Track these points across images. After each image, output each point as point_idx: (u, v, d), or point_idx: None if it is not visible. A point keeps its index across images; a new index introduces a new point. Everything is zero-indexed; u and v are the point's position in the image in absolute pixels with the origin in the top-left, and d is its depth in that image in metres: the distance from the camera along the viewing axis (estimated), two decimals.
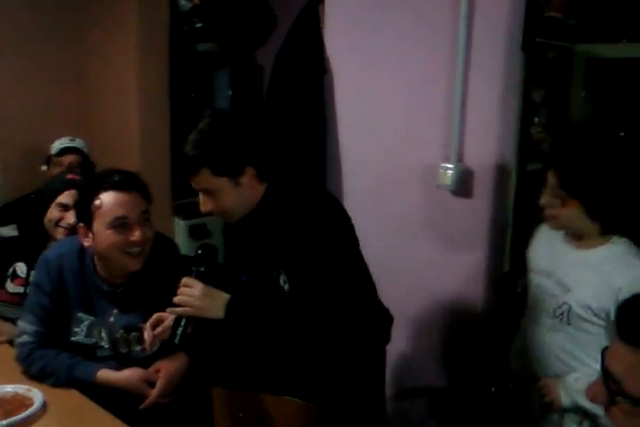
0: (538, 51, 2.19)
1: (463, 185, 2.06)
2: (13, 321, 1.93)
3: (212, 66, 3.33)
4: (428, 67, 2.13)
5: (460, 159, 2.07)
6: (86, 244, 1.64)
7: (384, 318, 1.68)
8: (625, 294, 1.40)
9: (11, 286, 2.01)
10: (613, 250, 1.54)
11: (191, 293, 1.45)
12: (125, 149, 3.18)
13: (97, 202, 1.58)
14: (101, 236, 1.60)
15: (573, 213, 1.53)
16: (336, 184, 2.46)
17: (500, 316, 2.09)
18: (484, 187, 2.04)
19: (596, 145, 1.54)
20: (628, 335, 0.87)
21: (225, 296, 1.47)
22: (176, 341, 1.44)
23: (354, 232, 1.57)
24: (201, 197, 1.54)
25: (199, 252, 1.51)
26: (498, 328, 2.07)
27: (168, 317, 1.51)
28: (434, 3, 2.09)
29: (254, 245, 1.62)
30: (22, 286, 1.99)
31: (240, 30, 3.13)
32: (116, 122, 3.25)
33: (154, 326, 1.52)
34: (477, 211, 2.05)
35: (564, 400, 1.55)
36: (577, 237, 1.61)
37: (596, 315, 1.51)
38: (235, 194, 1.50)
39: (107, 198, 1.58)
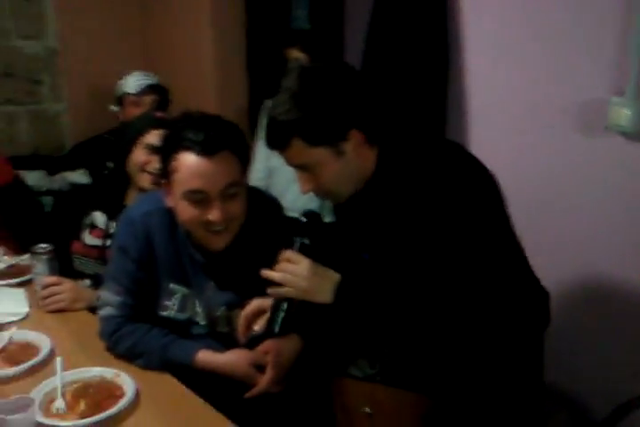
0: None
1: None
2: (90, 277, 1.80)
3: None
4: None
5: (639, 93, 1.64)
6: (169, 204, 1.38)
7: (541, 296, 1.36)
8: None
9: (88, 238, 1.83)
10: None
11: (296, 270, 1.20)
12: (199, 83, 2.90)
13: (174, 163, 1.30)
14: (178, 205, 1.34)
15: None
16: (459, 134, 2.07)
17: None
18: None
19: None
20: None
21: (335, 276, 1.22)
22: (276, 329, 1.22)
23: (501, 194, 1.25)
24: (298, 175, 1.25)
25: (303, 220, 1.26)
26: None
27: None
28: None
29: (375, 222, 1.32)
30: (101, 238, 1.81)
31: None
32: (187, 56, 2.98)
33: (251, 317, 1.29)
34: None
35: None
36: None
37: None
38: (339, 167, 1.21)
39: (185, 163, 1.29)
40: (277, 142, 1.21)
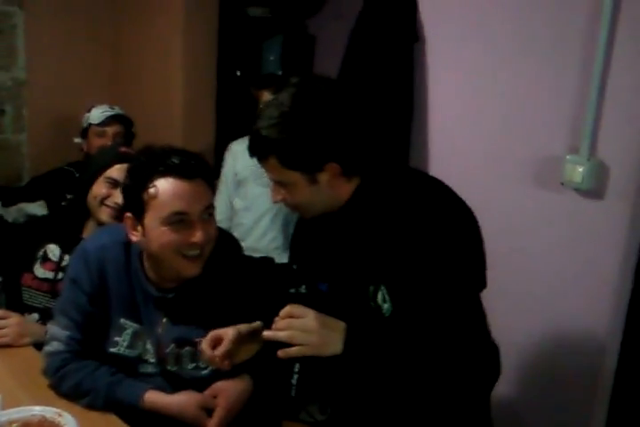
0: None
1: (596, 184, 1.71)
2: (39, 311, 1.75)
3: (263, 33, 3.01)
4: (553, 32, 1.76)
5: (592, 152, 1.71)
6: (134, 238, 1.36)
7: (493, 350, 1.35)
8: None
9: (40, 271, 1.78)
10: None
11: (306, 325, 1.08)
12: (166, 121, 2.91)
13: (152, 190, 1.29)
14: (154, 232, 1.31)
15: None
16: None
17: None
18: (621, 187, 1.68)
19: None
20: None
21: (341, 325, 1.11)
22: (293, 393, 1.14)
23: (480, 232, 1.22)
24: (272, 185, 1.24)
25: (295, 267, 1.22)
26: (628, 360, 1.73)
27: (226, 333, 1.23)
28: None
29: (341, 248, 1.29)
30: (53, 271, 1.77)
31: None
32: (155, 90, 3.00)
33: (212, 347, 1.24)
34: (612, 216, 1.70)
35: None
36: None
37: None
38: (310, 192, 1.19)
39: (164, 187, 1.29)
40: (257, 153, 1.20)
